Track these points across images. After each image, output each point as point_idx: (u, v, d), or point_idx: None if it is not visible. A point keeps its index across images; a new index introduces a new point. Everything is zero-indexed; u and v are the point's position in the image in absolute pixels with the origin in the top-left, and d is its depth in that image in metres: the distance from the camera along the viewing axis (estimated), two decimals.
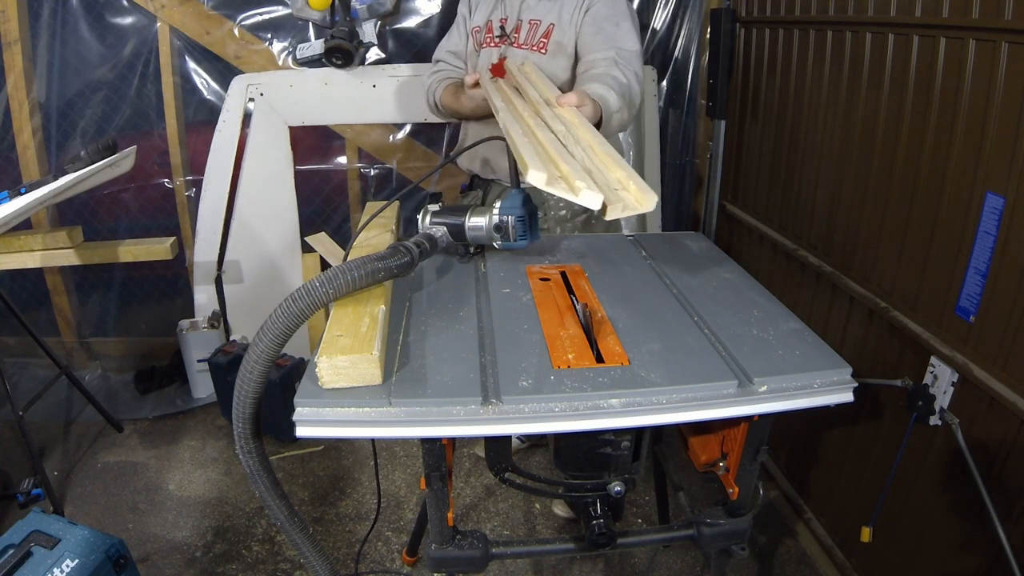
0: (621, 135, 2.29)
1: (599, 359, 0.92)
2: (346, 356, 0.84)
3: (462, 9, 1.81)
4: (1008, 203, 1.16)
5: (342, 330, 0.89)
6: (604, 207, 0.82)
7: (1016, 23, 1.12)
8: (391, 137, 2.48)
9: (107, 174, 1.91)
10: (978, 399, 1.25)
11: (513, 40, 1.67)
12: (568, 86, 1.61)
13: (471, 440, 2.23)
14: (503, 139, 1.23)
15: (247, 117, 2.36)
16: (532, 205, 1.18)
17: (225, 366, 2.24)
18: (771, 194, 2.04)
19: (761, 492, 1.11)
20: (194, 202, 2.47)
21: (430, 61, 2.32)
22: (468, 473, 2.15)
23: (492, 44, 1.70)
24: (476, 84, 1.56)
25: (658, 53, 2.41)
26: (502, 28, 1.68)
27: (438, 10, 2.31)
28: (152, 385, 2.59)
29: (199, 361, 2.43)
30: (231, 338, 2.54)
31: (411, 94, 2.36)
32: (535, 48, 1.63)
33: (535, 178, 0.84)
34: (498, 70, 1.65)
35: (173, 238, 2.30)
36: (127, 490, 2.08)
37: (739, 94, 2.23)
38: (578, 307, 1.08)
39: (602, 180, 0.88)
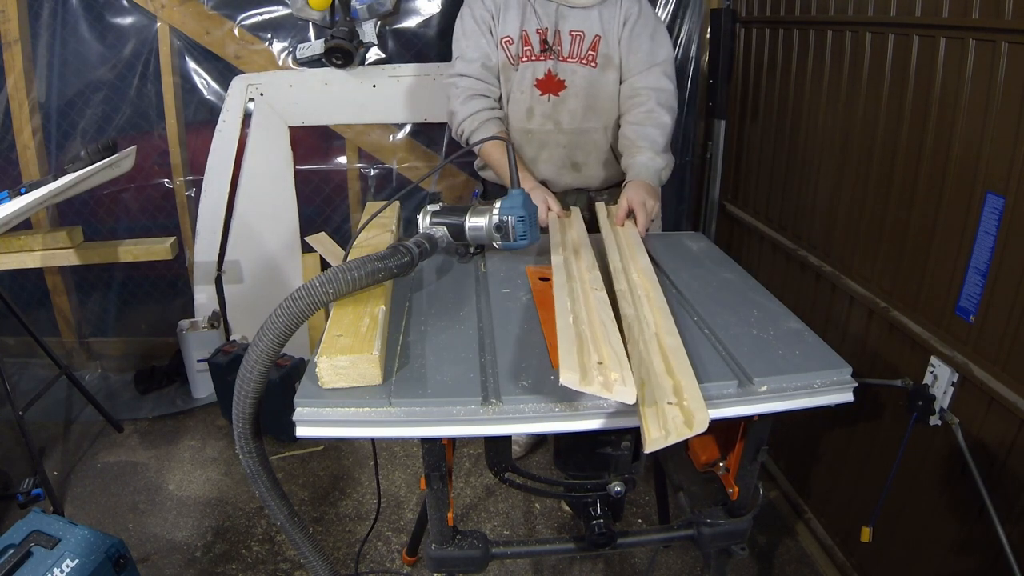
0: None
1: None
2: (346, 356, 0.84)
3: (482, 15, 1.62)
4: (1008, 203, 1.16)
5: (342, 330, 0.89)
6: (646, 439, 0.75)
7: (1016, 23, 1.12)
8: (391, 137, 2.48)
9: (107, 174, 1.91)
10: (978, 399, 1.25)
11: (558, 52, 1.61)
12: (618, 99, 1.66)
13: (472, 439, 2.23)
14: (504, 139, 1.23)
15: (247, 117, 2.36)
16: (532, 205, 1.18)
17: (225, 366, 2.24)
18: (771, 194, 2.04)
19: (761, 492, 1.11)
20: (194, 202, 2.47)
21: (430, 61, 2.35)
22: (468, 473, 2.15)
23: (534, 58, 1.62)
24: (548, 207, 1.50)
25: None
26: (545, 41, 1.60)
27: (438, 10, 2.31)
28: (152, 385, 2.58)
29: (199, 361, 2.43)
30: (231, 338, 2.54)
31: (411, 94, 2.36)
32: (584, 61, 1.61)
33: (568, 380, 0.76)
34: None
35: (173, 238, 2.30)
36: (127, 490, 2.08)
37: (739, 94, 2.23)
38: None
39: (650, 392, 0.80)
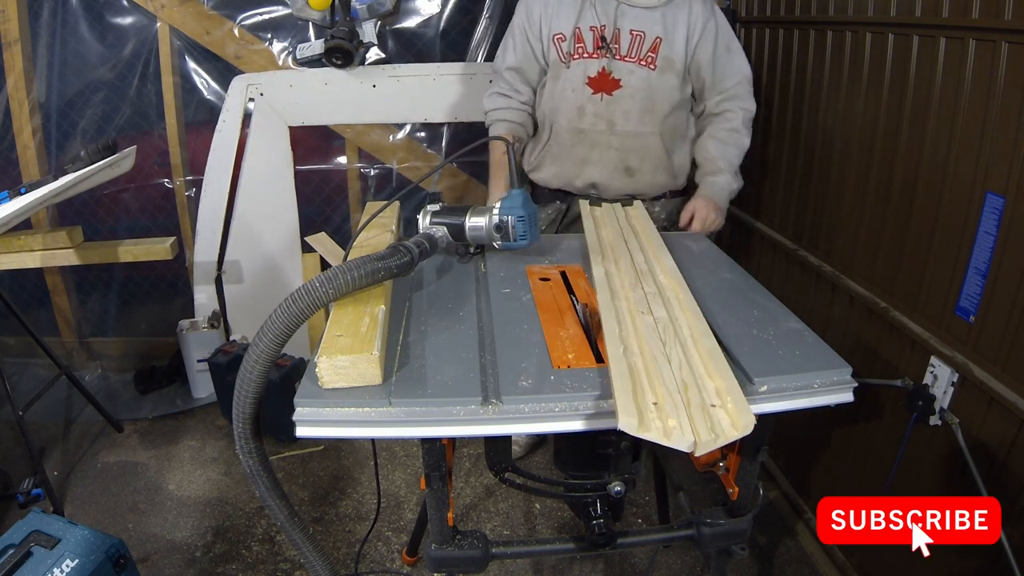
0: None
1: (599, 359, 0.92)
2: (346, 356, 0.84)
3: (542, 13, 1.62)
4: (1008, 203, 1.16)
5: (342, 330, 0.89)
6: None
7: (1016, 23, 1.12)
8: (391, 137, 2.48)
9: (107, 174, 1.91)
10: (978, 399, 1.25)
11: (614, 51, 1.57)
12: (678, 104, 1.65)
13: (472, 439, 2.23)
14: (506, 140, 1.23)
15: (247, 117, 2.36)
16: (532, 205, 1.18)
17: (225, 366, 2.24)
18: (771, 194, 2.04)
19: (761, 492, 1.11)
20: (194, 202, 2.47)
21: (430, 61, 2.35)
22: (468, 473, 2.15)
23: (586, 55, 1.59)
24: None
25: None
26: (602, 38, 1.57)
27: (438, 10, 2.31)
28: (152, 385, 2.58)
29: (199, 361, 2.43)
30: (231, 338, 2.53)
31: (411, 94, 2.36)
32: (643, 63, 1.57)
33: (626, 425, 0.75)
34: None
35: (173, 238, 2.30)
36: (127, 490, 2.08)
37: None
38: (578, 307, 1.08)
39: (696, 395, 0.82)
